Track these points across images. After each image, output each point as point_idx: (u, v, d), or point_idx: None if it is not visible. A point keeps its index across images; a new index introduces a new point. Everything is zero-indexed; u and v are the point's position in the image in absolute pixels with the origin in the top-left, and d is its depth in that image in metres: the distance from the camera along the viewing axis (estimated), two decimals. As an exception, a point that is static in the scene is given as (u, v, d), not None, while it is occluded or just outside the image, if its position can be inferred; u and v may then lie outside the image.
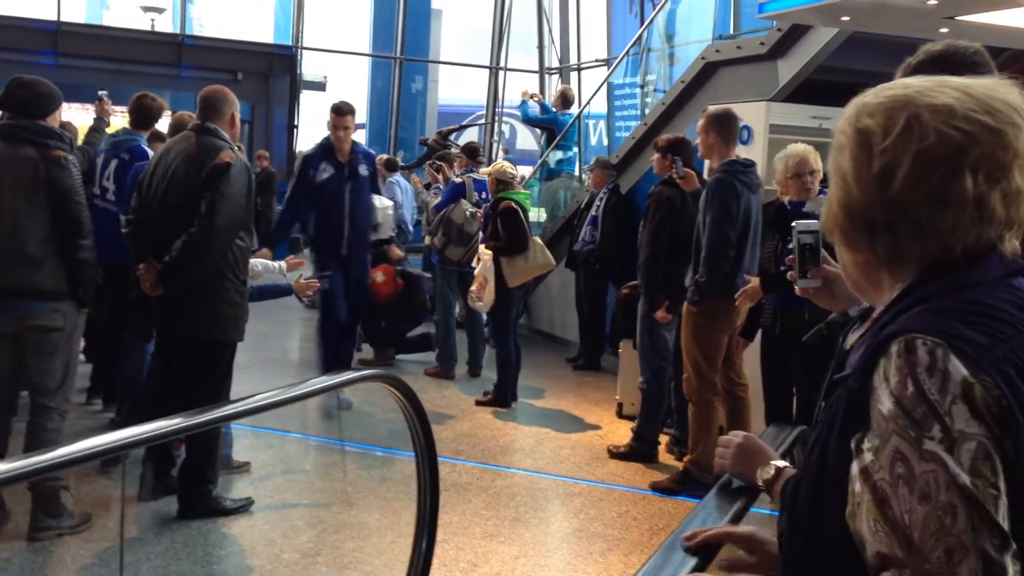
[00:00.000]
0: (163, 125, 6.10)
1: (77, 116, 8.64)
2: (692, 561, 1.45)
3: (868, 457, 1.11)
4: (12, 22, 13.42)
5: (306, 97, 15.63)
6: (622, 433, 6.14)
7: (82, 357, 4.84)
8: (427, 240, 8.37)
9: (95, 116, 6.14)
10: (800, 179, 4.70)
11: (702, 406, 5.07)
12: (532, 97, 10.95)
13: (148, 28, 15.05)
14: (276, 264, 5.52)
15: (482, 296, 6.69)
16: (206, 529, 4.27)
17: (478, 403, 6.85)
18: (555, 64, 15.69)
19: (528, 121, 11.41)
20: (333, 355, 6.41)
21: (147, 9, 15.30)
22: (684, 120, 7.53)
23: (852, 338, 1.38)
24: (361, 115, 17.30)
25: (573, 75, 15.44)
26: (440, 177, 9.16)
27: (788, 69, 6.44)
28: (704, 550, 1.47)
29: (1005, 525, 1.05)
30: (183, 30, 14.99)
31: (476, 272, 6.79)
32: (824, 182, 4.58)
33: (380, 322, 7.72)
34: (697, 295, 4.92)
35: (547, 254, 6.88)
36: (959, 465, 1.05)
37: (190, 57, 14.21)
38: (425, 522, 2.65)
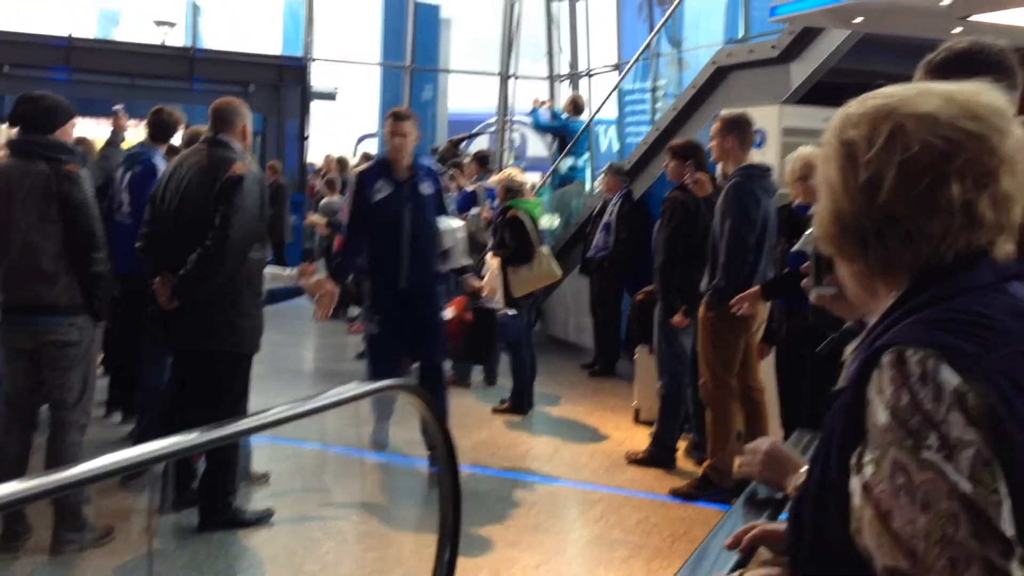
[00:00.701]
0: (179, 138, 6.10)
1: (91, 130, 8.68)
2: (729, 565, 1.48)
3: (868, 470, 1.10)
4: (25, 39, 13.55)
5: (316, 107, 15.72)
6: (639, 439, 6.12)
7: (100, 370, 4.85)
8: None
9: (111, 131, 6.17)
10: (806, 182, 4.68)
11: (719, 411, 5.05)
12: (543, 104, 10.96)
13: (159, 42, 15.17)
14: (287, 271, 5.49)
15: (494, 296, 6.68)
16: (227, 541, 4.27)
17: (495, 411, 6.85)
18: (565, 71, 15.68)
19: (539, 128, 11.43)
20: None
21: (159, 23, 15.43)
22: (696, 125, 7.52)
23: (849, 350, 1.38)
24: (372, 124, 17.39)
25: (583, 81, 15.43)
26: (453, 186, 9.17)
27: (801, 72, 6.43)
28: (749, 550, 1.51)
29: (1009, 530, 1.03)
30: (194, 44, 15.12)
31: (484, 281, 6.78)
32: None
33: None
34: (716, 300, 4.90)
35: (553, 264, 6.86)
36: (958, 473, 1.04)
37: (201, 70, 14.29)
38: (448, 531, 2.64)
